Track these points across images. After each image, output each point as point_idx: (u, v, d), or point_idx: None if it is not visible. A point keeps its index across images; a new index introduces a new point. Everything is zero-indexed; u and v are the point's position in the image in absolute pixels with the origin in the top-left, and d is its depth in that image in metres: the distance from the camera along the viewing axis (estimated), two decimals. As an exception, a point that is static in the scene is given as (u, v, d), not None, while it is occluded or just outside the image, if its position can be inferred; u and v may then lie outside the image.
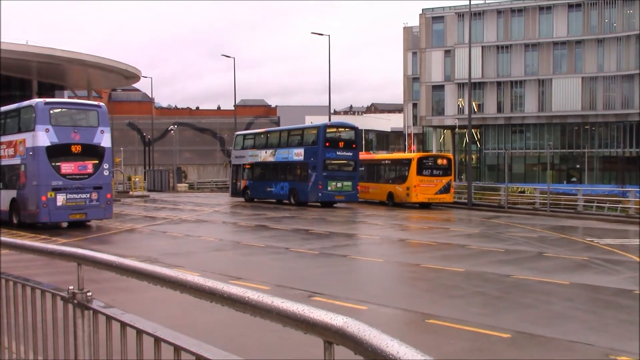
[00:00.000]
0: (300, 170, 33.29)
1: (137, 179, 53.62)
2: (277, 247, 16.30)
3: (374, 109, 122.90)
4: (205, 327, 7.43)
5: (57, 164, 20.14)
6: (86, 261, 3.33)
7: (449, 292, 10.71)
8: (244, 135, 40.18)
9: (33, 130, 20.09)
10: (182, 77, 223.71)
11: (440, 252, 15.79)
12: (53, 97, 42.83)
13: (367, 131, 79.71)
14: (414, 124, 68.98)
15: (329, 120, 45.09)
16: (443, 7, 62.50)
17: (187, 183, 62.57)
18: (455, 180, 38.94)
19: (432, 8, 63.01)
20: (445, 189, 32.97)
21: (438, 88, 62.55)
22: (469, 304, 9.63)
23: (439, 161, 33.85)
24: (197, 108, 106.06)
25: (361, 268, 13.79)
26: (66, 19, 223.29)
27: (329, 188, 31.97)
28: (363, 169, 36.88)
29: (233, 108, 59.02)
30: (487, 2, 60.65)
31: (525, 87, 58.96)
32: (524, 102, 59.05)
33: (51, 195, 19.91)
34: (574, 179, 56.81)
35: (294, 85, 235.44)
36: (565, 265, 13.77)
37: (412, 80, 71.11)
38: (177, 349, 2.46)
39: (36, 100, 21.32)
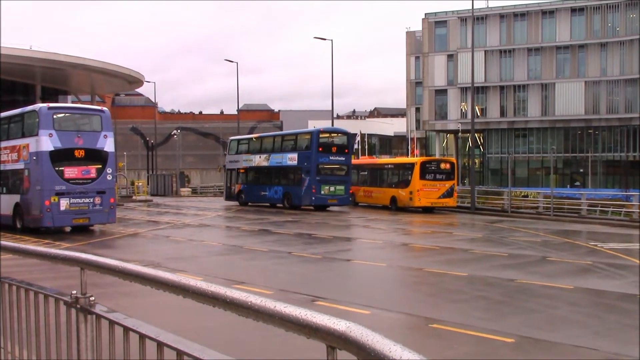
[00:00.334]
0: (293, 175, 33.71)
1: (140, 184, 53.72)
2: (280, 251, 16.30)
3: (377, 113, 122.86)
4: (208, 331, 7.42)
5: (60, 168, 20.19)
6: (89, 266, 3.33)
7: (452, 296, 10.69)
8: (238, 140, 40.54)
9: (36, 135, 20.16)
10: (186, 82, 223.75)
11: (444, 257, 15.76)
12: (56, 102, 42.83)
13: (370, 135, 79.67)
14: (417, 128, 68.87)
15: (332, 124, 45.25)
16: (446, 12, 62.52)
17: (190, 187, 62.61)
18: (458, 185, 38.91)
19: (435, 12, 63.02)
20: (449, 193, 32.92)
21: (441, 92, 62.53)
22: (473, 308, 9.60)
23: (442, 165, 33.81)
24: (200, 113, 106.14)
25: (364, 272, 13.77)
26: (69, 24, 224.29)
27: (322, 192, 32.41)
28: (366, 173, 36.90)
29: (236, 112, 59.06)
30: (489, 6, 60.73)
31: (528, 92, 58.86)
32: (527, 107, 58.92)
33: (54, 199, 19.94)
34: (577, 183, 56.70)
35: (297, 90, 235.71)
36: (569, 269, 13.73)
37: (415, 85, 71.05)
38: (180, 354, 2.45)
39: (39, 105, 21.41)
